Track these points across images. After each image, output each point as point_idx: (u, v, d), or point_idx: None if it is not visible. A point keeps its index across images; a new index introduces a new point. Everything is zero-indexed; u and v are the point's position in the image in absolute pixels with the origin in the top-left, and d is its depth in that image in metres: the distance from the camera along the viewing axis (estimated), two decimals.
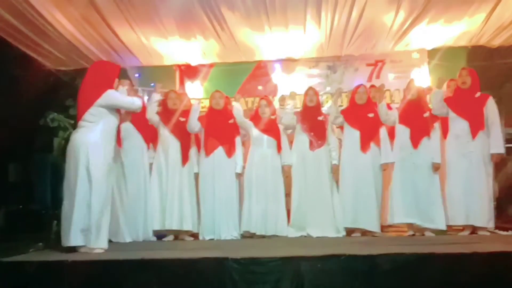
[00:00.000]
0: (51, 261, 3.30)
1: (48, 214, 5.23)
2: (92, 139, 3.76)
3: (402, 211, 4.61)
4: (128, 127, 4.70)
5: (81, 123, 3.84)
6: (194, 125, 4.81)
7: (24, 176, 6.04)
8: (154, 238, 4.72)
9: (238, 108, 4.98)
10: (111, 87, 3.93)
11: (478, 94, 4.66)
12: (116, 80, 4.05)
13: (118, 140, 4.29)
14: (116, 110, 3.97)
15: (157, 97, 4.87)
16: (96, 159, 3.71)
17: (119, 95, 3.98)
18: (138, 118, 4.72)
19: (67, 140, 4.03)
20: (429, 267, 3.10)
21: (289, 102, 5.00)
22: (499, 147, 4.56)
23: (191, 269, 3.13)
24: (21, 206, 5.62)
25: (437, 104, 4.70)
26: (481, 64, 5.71)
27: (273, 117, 4.97)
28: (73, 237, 3.62)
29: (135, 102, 4.11)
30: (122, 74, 5.88)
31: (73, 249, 3.63)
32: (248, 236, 4.74)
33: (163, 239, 4.75)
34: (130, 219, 4.62)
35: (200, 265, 3.14)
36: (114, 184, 4.39)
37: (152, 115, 4.82)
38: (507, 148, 4.91)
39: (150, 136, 4.88)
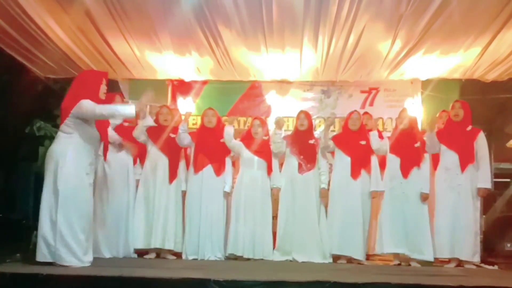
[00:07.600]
0: (25, 274, 3.17)
1: (29, 225, 5.12)
2: (64, 151, 3.59)
3: (391, 241, 4.59)
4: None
5: (58, 133, 3.73)
6: (183, 137, 4.75)
7: (7, 184, 5.91)
8: (135, 255, 4.60)
9: (228, 132, 4.84)
10: (94, 96, 3.71)
11: (469, 127, 4.69)
12: (103, 87, 3.82)
13: (105, 154, 4.19)
14: (94, 123, 3.77)
15: (150, 121, 4.70)
16: (65, 172, 3.54)
17: (88, 104, 3.62)
18: (124, 131, 4.64)
19: None
20: None
21: (276, 132, 4.96)
22: (486, 182, 4.58)
23: None
24: (1, 215, 5.48)
25: (431, 145, 4.71)
26: (473, 97, 5.74)
27: (265, 137, 4.92)
28: (39, 252, 3.51)
29: (103, 112, 3.67)
30: (114, 86, 5.87)
31: (49, 262, 3.50)
32: (232, 258, 4.65)
33: (145, 256, 4.64)
34: (110, 234, 4.52)
35: (181, 286, 3.05)
36: (96, 198, 4.30)
37: (140, 135, 4.69)
38: (496, 183, 4.91)
39: (137, 151, 4.78)
